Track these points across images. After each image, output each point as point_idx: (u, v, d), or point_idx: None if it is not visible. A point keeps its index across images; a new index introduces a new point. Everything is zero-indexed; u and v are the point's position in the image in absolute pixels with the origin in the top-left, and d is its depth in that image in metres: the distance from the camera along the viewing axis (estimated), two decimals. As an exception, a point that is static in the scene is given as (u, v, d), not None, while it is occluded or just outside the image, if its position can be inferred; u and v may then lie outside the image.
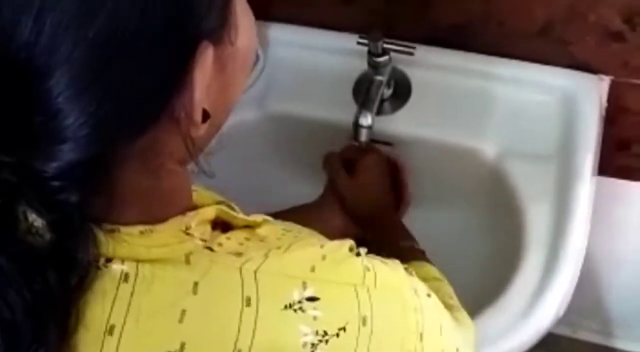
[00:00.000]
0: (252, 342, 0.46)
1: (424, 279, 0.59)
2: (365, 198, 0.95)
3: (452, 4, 0.95)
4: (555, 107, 0.97)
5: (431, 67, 1.00)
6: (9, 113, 0.41)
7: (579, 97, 0.96)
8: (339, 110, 0.98)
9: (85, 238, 0.45)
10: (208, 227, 0.52)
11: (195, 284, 0.47)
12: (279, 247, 0.51)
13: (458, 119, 0.98)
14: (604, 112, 0.97)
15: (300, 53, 1.06)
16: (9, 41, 0.40)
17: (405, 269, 0.57)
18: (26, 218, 0.44)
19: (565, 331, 1.63)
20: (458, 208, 1.01)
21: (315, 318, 0.48)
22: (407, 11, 0.98)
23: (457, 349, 0.59)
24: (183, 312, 0.46)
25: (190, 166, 0.52)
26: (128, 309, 0.46)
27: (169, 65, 0.45)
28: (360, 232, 0.93)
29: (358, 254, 0.53)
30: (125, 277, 0.47)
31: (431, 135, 0.98)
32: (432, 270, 0.77)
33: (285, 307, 0.48)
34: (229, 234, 0.53)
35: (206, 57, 0.46)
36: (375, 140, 0.97)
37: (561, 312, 0.85)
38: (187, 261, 0.49)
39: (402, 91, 1.00)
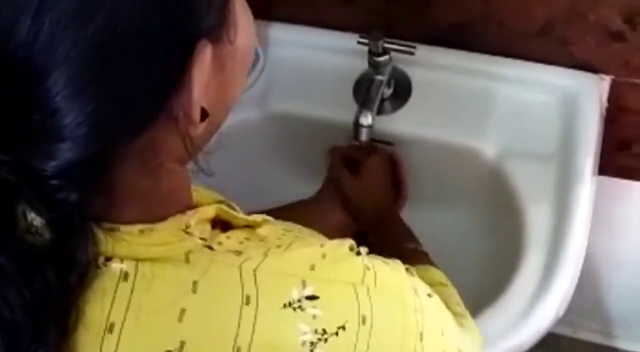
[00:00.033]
0: (251, 340, 0.46)
1: (430, 284, 0.59)
2: (370, 199, 0.95)
3: (452, 4, 0.95)
4: (555, 106, 0.97)
5: (432, 67, 1.00)
6: (8, 112, 0.41)
7: (580, 97, 0.96)
8: (340, 109, 0.98)
9: (85, 237, 0.45)
10: (208, 226, 0.52)
11: (195, 283, 0.47)
12: (278, 246, 0.51)
13: (458, 118, 0.98)
14: (604, 112, 0.97)
15: (301, 53, 1.06)
16: (8, 40, 0.41)
17: (407, 269, 0.57)
18: (26, 217, 0.45)
19: (565, 331, 1.63)
20: (458, 208, 1.01)
21: (314, 317, 0.48)
22: (407, 11, 0.98)
23: (460, 351, 0.59)
24: (182, 311, 0.46)
25: (190, 165, 0.52)
26: (127, 308, 0.46)
27: (168, 64, 0.45)
28: (359, 230, 0.93)
29: (358, 254, 0.53)
30: (125, 276, 0.47)
31: (431, 135, 0.98)
32: (437, 274, 0.77)
33: (285, 305, 0.48)
34: (229, 233, 0.53)
35: (205, 56, 0.46)
36: (375, 140, 0.97)
37: (561, 312, 0.85)
38: (187, 260, 0.49)
39: (402, 91, 1.00)
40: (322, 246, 0.52)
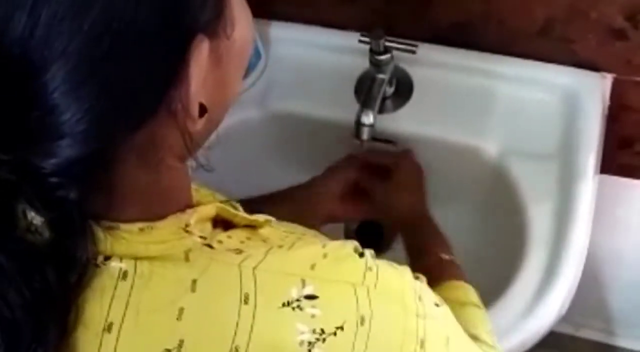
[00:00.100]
0: (249, 339, 0.46)
1: (462, 303, 0.58)
2: (407, 201, 0.94)
3: (452, 3, 0.95)
4: (557, 105, 0.97)
5: (433, 66, 1.00)
6: (5, 109, 0.41)
7: (582, 96, 0.96)
8: (341, 108, 0.98)
9: (84, 236, 0.45)
10: (208, 225, 0.52)
11: (194, 281, 0.47)
12: (280, 246, 0.51)
13: (460, 117, 0.98)
14: (606, 110, 0.97)
15: (302, 51, 1.06)
16: (2, 36, 0.40)
17: (417, 278, 0.57)
18: (25, 216, 0.45)
19: (567, 330, 1.63)
20: (460, 206, 1.01)
21: (313, 316, 0.48)
22: (407, 10, 0.98)
23: None
24: (181, 309, 0.46)
25: (190, 162, 0.52)
26: (126, 307, 0.46)
27: (165, 58, 0.45)
28: (348, 220, 0.94)
29: (362, 255, 0.53)
30: (124, 274, 0.47)
31: (433, 133, 0.98)
32: (470, 293, 0.73)
33: (283, 304, 0.47)
34: (230, 232, 0.52)
35: (202, 51, 0.46)
36: (377, 139, 0.96)
37: (563, 311, 0.85)
38: (186, 258, 0.48)
39: (404, 89, 1.00)
40: (324, 246, 0.52)
